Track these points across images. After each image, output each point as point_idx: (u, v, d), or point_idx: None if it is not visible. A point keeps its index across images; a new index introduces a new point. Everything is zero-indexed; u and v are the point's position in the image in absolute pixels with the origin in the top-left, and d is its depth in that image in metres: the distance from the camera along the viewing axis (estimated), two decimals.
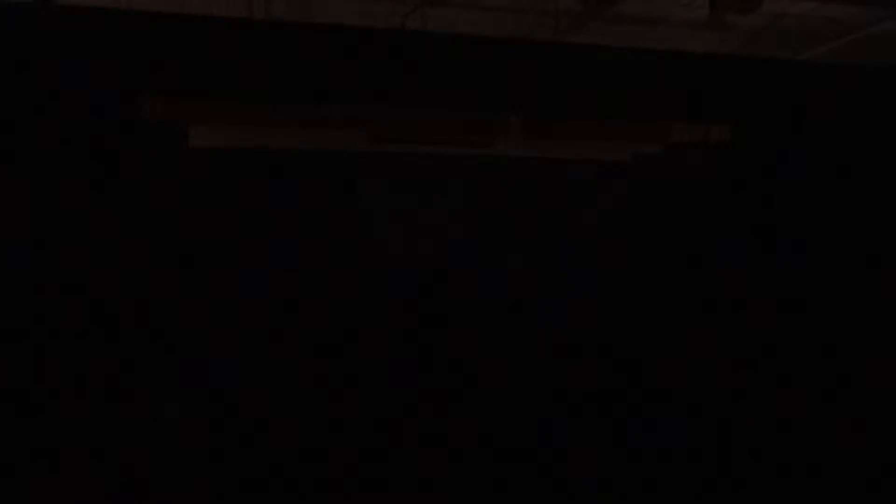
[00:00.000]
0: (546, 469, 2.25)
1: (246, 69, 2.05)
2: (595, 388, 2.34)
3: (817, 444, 2.52)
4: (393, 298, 2.17)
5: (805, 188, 2.63)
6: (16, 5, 1.77)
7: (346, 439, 2.08)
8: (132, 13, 1.90)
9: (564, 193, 2.37)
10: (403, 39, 2.19)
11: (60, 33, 1.84)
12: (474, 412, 2.20)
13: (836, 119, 2.68)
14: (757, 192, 2.58)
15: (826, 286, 2.62)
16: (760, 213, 2.57)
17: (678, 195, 2.50)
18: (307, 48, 2.10)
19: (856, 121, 2.70)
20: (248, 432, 2.00)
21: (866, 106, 2.71)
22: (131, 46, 1.92)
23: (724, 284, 2.52)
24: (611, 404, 2.35)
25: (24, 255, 1.82)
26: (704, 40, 2.38)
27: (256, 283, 2.04)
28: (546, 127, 2.24)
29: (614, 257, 2.42)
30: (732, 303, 2.53)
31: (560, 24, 2.23)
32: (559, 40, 2.35)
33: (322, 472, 2.05)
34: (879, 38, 2.40)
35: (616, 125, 2.35)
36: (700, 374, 2.46)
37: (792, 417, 2.53)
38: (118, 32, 1.90)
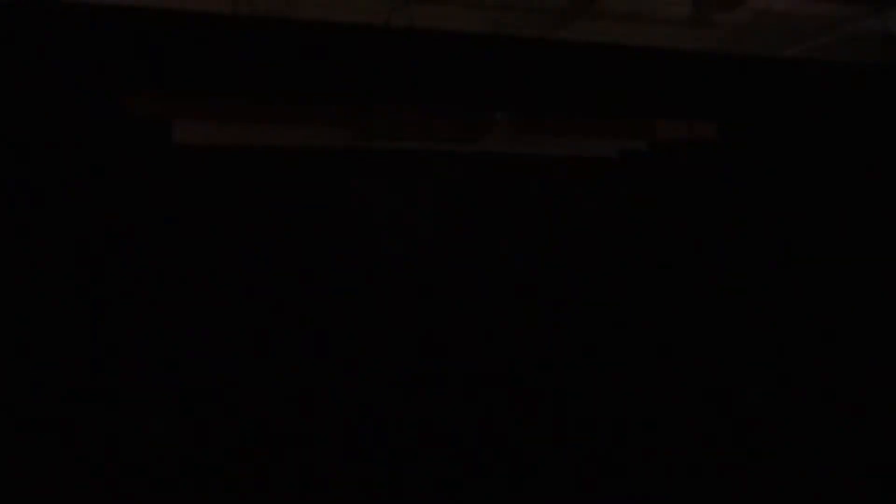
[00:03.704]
0: (546, 465, 2.25)
1: (231, 66, 2.04)
2: (586, 382, 2.35)
3: (808, 441, 2.54)
4: (378, 292, 2.17)
5: (789, 184, 2.65)
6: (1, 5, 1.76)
7: (341, 437, 2.08)
8: (116, 9, 1.88)
9: (551, 189, 2.38)
10: (389, 36, 2.19)
11: (44, 30, 1.82)
12: (461, 406, 2.21)
13: (821, 116, 2.70)
14: (742, 187, 2.60)
15: (813, 281, 2.65)
16: (746, 209, 2.60)
17: (664, 191, 2.52)
18: (293, 45, 2.09)
19: (840, 117, 2.72)
20: (235, 430, 1.99)
21: (851, 103, 2.74)
22: (115, 43, 1.90)
23: (711, 279, 2.54)
24: (604, 399, 2.36)
25: (11, 251, 1.80)
26: (688, 37, 2.39)
27: (243, 278, 2.03)
28: (532, 124, 2.25)
29: (601, 252, 2.43)
30: (720, 297, 2.55)
31: (545, 21, 2.24)
32: (544, 36, 2.36)
33: (317, 469, 2.04)
34: (864, 36, 2.43)
35: (602, 122, 2.36)
36: (689, 367, 2.48)
37: (779, 411, 2.55)
38: (102, 29, 1.88)
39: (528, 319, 2.31)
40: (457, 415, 2.19)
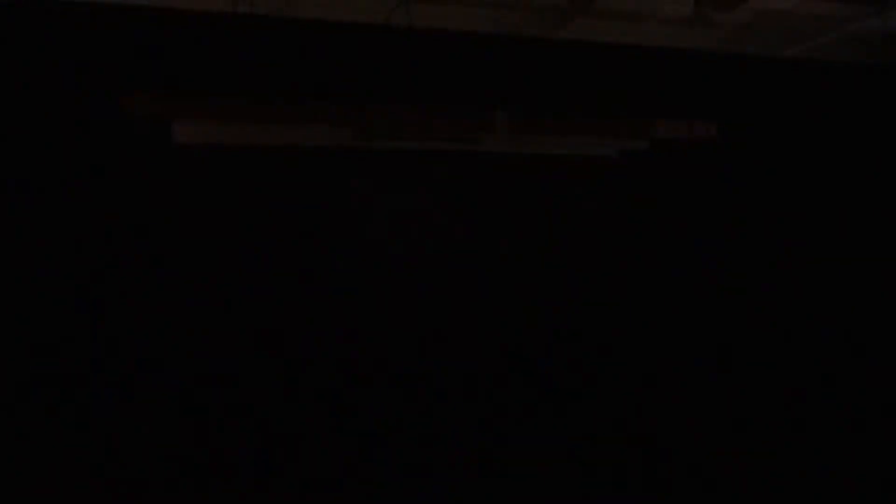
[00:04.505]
0: (547, 463, 2.26)
1: (231, 65, 2.03)
2: (586, 381, 2.35)
3: (800, 436, 2.55)
4: (378, 292, 2.17)
5: (790, 183, 2.65)
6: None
7: (341, 437, 2.08)
8: (116, 9, 1.88)
9: (551, 189, 2.38)
10: (389, 35, 2.18)
11: (44, 30, 1.82)
12: (461, 405, 2.21)
13: (821, 115, 2.70)
14: (742, 187, 2.60)
15: (813, 280, 2.65)
16: (746, 208, 2.59)
17: (664, 190, 2.52)
18: (293, 44, 2.09)
19: (840, 117, 2.72)
20: (235, 430, 1.99)
21: (851, 102, 2.74)
22: (115, 43, 1.90)
23: (712, 278, 2.54)
24: (604, 398, 2.36)
25: (11, 251, 1.80)
26: (688, 36, 2.39)
27: (243, 277, 2.03)
28: (533, 123, 2.25)
29: (602, 251, 2.43)
30: (719, 296, 2.55)
31: (546, 20, 2.23)
32: (545, 36, 2.35)
33: (317, 469, 2.04)
34: (864, 35, 2.42)
35: (603, 121, 2.36)
36: (690, 366, 2.48)
37: (780, 411, 2.55)
38: (101, 28, 1.88)
39: (529, 319, 2.31)
40: (457, 414, 2.19)
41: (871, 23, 2.30)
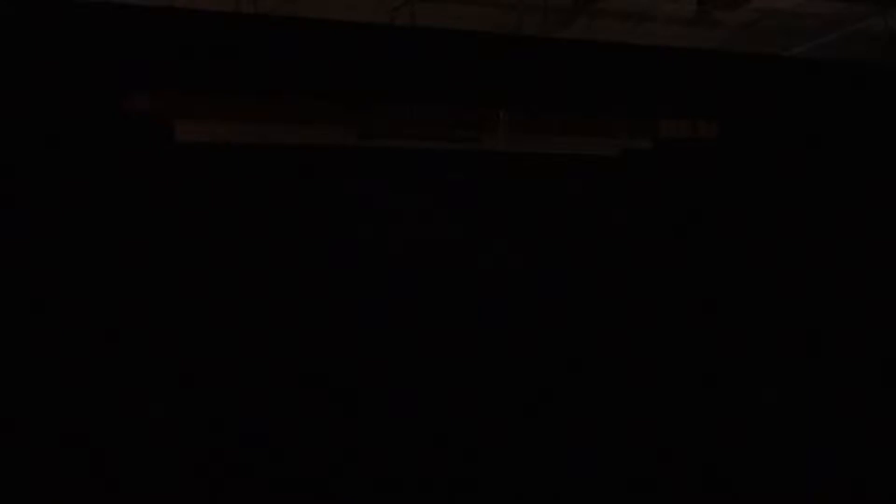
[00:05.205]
0: (547, 466, 2.26)
1: (233, 64, 2.04)
2: (587, 384, 2.35)
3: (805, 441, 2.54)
4: (378, 292, 2.17)
5: (792, 183, 2.64)
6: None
7: (341, 440, 2.08)
8: (116, 7, 1.89)
9: (553, 189, 2.37)
10: (391, 34, 2.18)
11: (44, 30, 1.83)
12: (460, 407, 2.21)
13: (823, 114, 2.69)
14: (745, 187, 2.59)
15: (815, 280, 2.64)
16: (749, 208, 2.59)
17: (667, 190, 2.51)
18: (294, 43, 2.10)
19: (845, 116, 2.71)
20: (234, 432, 2.00)
21: (855, 102, 2.72)
22: (117, 41, 1.91)
23: (713, 280, 2.53)
24: (603, 401, 2.36)
25: (11, 251, 1.81)
26: (692, 36, 2.39)
27: (241, 277, 2.03)
28: (534, 123, 2.24)
29: (604, 252, 2.42)
30: (721, 297, 2.54)
31: (548, 19, 2.24)
32: (547, 35, 2.35)
33: (318, 473, 2.05)
34: (866, 34, 2.41)
35: (605, 121, 2.35)
36: (692, 368, 2.48)
37: (784, 415, 2.55)
38: (103, 27, 1.89)
39: (528, 319, 2.31)
40: (456, 416, 2.20)
41: (875, 22, 2.29)
